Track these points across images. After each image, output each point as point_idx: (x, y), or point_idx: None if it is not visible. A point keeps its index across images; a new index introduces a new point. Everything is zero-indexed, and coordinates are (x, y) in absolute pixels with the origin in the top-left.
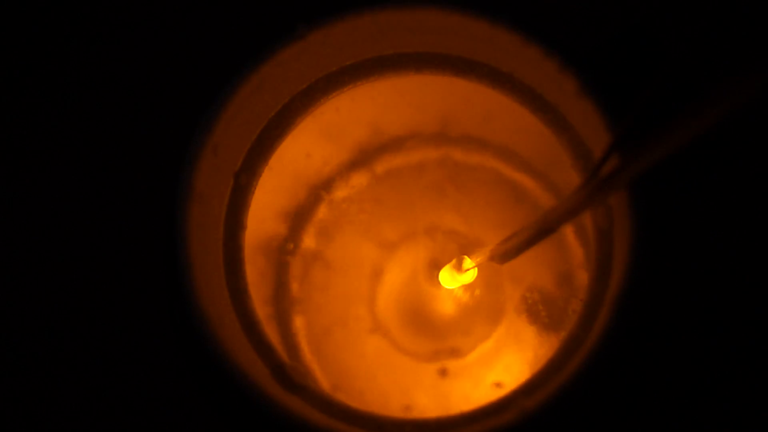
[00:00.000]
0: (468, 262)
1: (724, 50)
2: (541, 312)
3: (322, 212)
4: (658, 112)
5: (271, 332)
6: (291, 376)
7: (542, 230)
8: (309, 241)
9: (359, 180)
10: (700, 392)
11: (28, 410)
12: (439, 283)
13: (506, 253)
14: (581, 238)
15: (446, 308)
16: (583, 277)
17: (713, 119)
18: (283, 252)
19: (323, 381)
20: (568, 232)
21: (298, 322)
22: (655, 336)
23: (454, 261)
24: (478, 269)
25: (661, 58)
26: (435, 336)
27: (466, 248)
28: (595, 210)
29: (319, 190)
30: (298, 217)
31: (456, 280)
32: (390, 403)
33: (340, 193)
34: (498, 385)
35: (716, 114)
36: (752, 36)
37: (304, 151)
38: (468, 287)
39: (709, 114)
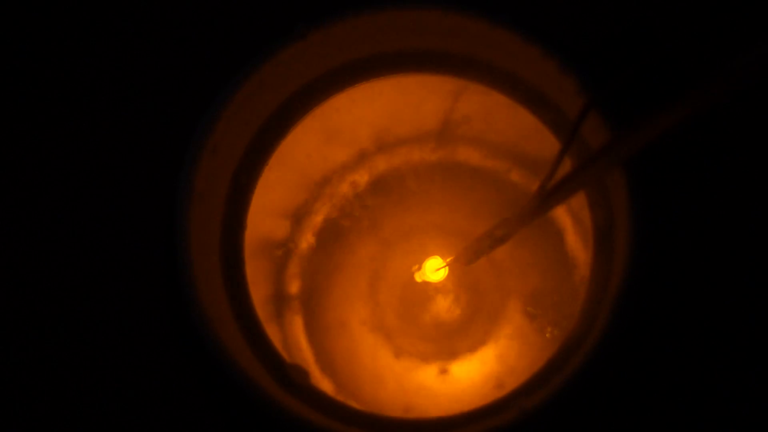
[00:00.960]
0: (437, 262)
1: (717, 39)
2: (540, 312)
3: (322, 212)
4: (640, 91)
5: (271, 332)
6: (291, 376)
7: (498, 237)
8: (309, 240)
9: (359, 180)
10: (699, 392)
11: (28, 410)
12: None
13: (470, 256)
14: (581, 239)
15: (447, 309)
16: (583, 277)
17: (700, 105)
18: (283, 252)
19: (323, 381)
20: (569, 232)
21: (298, 322)
22: (655, 336)
23: (426, 261)
24: (483, 272)
25: (659, 57)
26: (435, 336)
27: None
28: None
29: (319, 189)
30: (298, 217)
31: (427, 278)
32: (390, 403)
33: (340, 192)
34: (498, 385)
35: (703, 101)
36: (747, 27)
37: (304, 150)
38: (455, 290)
39: (696, 100)
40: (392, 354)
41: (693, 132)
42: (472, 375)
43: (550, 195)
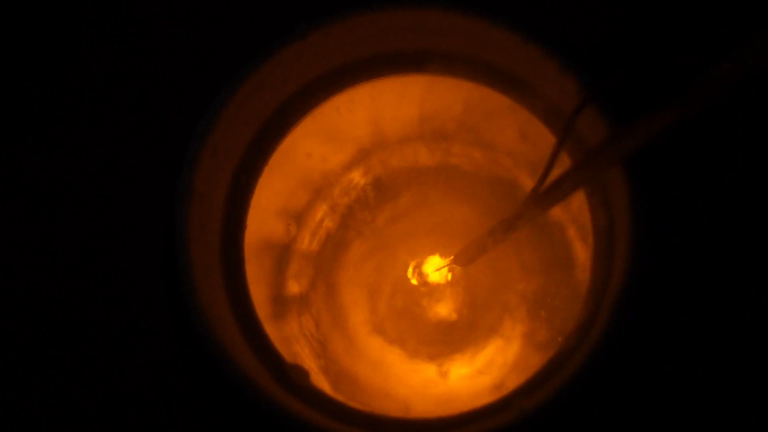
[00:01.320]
0: (436, 262)
1: (716, 37)
2: (540, 312)
3: (322, 212)
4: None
5: (271, 332)
6: (291, 376)
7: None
8: (309, 240)
9: (359, 179)
10: (699, 392)
11: (28, 410)
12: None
13: (468, 257)
14: (581, 238)
15: (447, 309)
16: (583, 277)
17: (700, 104)
18: (283, 252)
19: (323, 381)
20: (569, 232)
21: (299, 322)
22: (655, 336)
23: (424, 262)
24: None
25: (659, 56)
26: (435, 336)
27: None
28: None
29: (319, 189)
30: (299, 217)
31: (426, 278)
32: (390, 403)
33: (340, 192)
34: (498, 385)
35: (703, 99)
36: (746, 24)
37: (304, 150)
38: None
39: (691, 101)
40: (392, 354)
41: (693, 131)
42: (472, 375)
43: (548, 194)
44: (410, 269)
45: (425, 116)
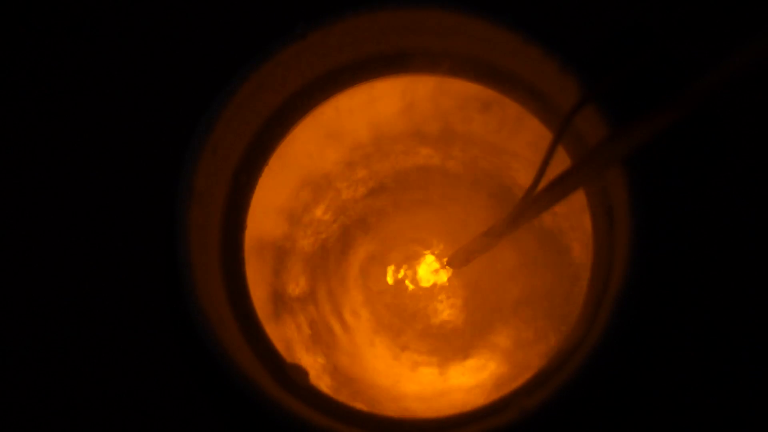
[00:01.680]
0: (428, 266)
1: (717, 36)
2: (540, 312)
3: (322, 212)
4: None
5: (271, 332)
6: (291, 376)
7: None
8: (309, 240)
9: (359, 179)
10: (699, 392)
11: (28, 410)
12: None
13: (462, 258)
14: (581, 239)
15: (446, 309)
16: (583, 277)
17: (700, 103)
18: (283, 252)
19: (323, 381)
20: (569, 233)
21: (298, 322)
22: (655, 336)
23: (415, 263)
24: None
25: (659, 55)
26: (435, 336)
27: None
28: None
29: (319, 189)
30: (299, 217)
31: (421, 281)
32: (390, 403)
33: (340, 192)
34: (498, 385)
35: (703, 98)
36: (746, 23)
37: (304, 150)
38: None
39: (688, 100)
40: (392, 354)
41: (694, 131)
42: (471, 375)
43: (545, 194)
44: (390, 271)
45: (424, 116)
